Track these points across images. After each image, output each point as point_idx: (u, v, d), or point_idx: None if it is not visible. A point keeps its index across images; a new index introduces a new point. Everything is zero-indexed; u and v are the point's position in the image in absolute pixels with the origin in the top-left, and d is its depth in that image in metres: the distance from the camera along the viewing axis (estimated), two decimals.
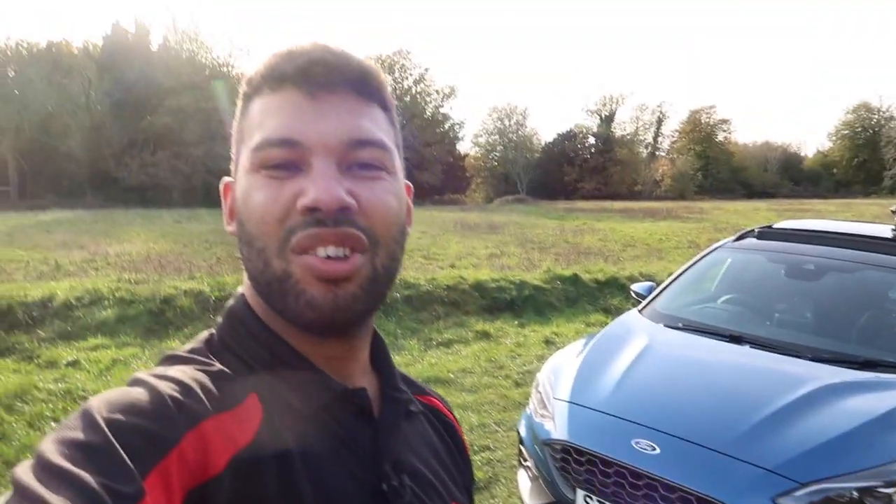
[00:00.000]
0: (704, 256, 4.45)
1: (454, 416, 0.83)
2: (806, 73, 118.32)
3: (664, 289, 4.23)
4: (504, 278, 8.23)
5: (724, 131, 56.06)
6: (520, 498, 3.25)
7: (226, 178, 0.69)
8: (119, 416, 0.48)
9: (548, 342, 6.41)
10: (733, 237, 4.52)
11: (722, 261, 4.47)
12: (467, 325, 6.97)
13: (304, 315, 0.57)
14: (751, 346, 3.33)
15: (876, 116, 56.07)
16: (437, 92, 45.56)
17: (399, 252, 0.63)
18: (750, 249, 4.32)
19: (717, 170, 52.65)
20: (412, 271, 8.64)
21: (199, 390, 0.54)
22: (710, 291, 4.37)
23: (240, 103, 0.65)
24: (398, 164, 0.64)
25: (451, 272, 8.66)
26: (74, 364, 5.33)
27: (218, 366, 0.60)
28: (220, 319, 0.67)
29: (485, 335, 6.65)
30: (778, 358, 3.19)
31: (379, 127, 0.62)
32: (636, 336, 3.55)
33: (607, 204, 32.43)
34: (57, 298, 6.52)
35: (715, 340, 3.44)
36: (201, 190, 30.54)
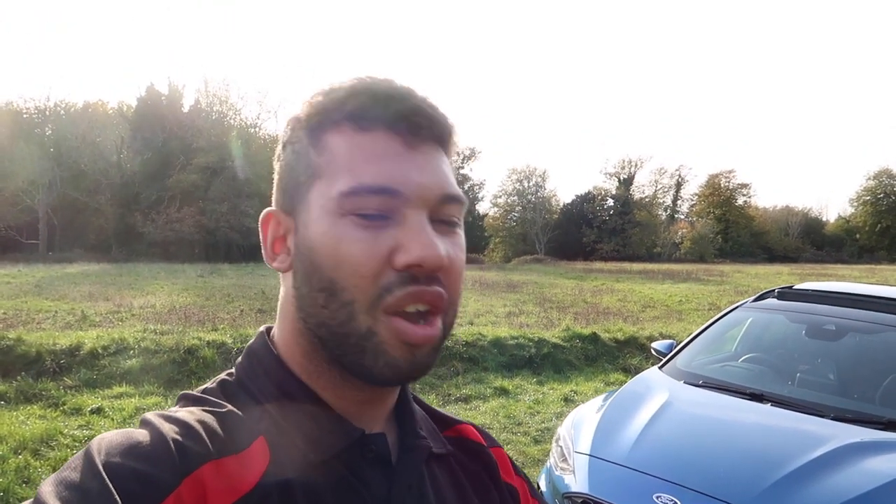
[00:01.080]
0: (724, 315, 4.48)
1: (490, 440, 0.78)
2: (826, 138, 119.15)
3: (684, 347, 4.25)
4: (523, 336, 8.25)
5: (744, 195, 56.20)
6: None
7: (268, 209, 0.64)
8: (117, 460, 0.48)
9: (567, 400, 6.38)
10: (753, 297, 4.56)
11: (742, 320, 4.49)
12: (486, 381, 6.97)
13: (381, 374, 0.56)
14: (772, 405, 3.33)
15: None
16: (457, 154, 46.07)
17: (459, 307, 0.62)
18: (770, 309, 4.34)
19: (738, 233, 52.55)
20: None
21: (202, 432, 0.53)
22: (731, 350, 4.38)
23: (303, 132, 0.60)
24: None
25: (469, 329, 8.69)
26: (99, 411, 5.41)
27: (228, 407, 0.58)
28: (240, 358, 0.66)
29: (503, 392, 6.64)
30: (799, 416, 3.19)
31: (454, 179, 0.62)
32: (657, 392, 3.57)
33: (626, 265, 32.40)
34: (84, 347, 6.65)
35: (736, 398, 3.45)
36: (223, 245, 31.12)
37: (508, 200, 51.24)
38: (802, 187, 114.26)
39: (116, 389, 5.97)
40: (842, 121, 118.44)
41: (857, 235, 56.50)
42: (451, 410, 5.95)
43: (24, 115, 35.27)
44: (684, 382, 3.70)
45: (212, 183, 32.73)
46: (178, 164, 33.61)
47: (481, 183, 54.56)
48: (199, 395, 0.61)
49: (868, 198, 56.89)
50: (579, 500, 2.84)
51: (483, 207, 52.27)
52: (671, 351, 4.28)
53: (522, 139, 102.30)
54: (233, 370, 0.65)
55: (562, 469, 3.11)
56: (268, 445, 0.56)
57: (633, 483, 2.78)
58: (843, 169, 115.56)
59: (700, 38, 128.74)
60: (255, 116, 39.96)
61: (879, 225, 54.52)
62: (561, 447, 3.27)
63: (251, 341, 0.66)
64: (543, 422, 5.71)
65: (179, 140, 34.64)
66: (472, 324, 9.65)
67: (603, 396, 3.86)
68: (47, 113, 35.60)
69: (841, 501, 2.50)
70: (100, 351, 6.65)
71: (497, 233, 51.07)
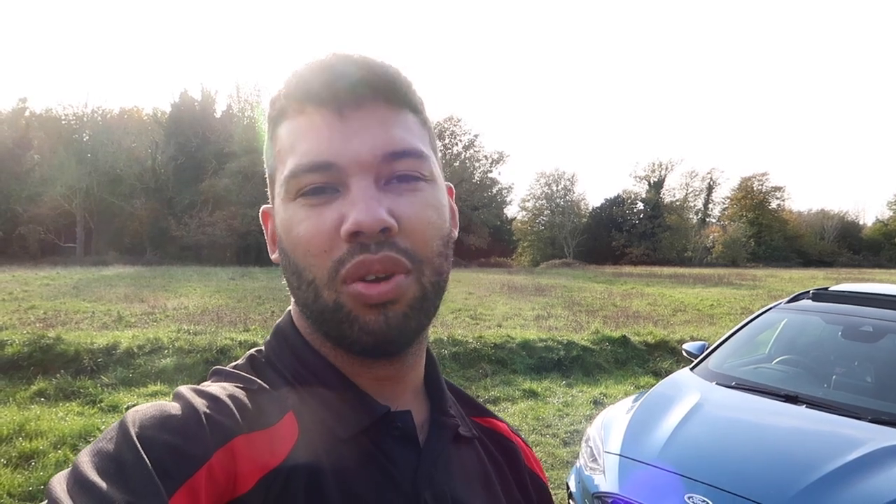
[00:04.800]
0: (757, 317, 4.41)
1: (522, 439, 0.78)
2: (863, 140, 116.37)
3: (716, 348, 4.20)
4: (552, 338, 8.20)
5: (778, 199, 55.09)
6: None
7: (264, 206, 0.67)
8: (151, 432, 0.49)
9: (596, 402, 6.33)
10: (787, 298, 4.49)
11: (776, 322, 4.42)
12: (514, 383, 6.95)
13: (360, 340, 0.57)
14: (807, 407, 3.27)
15: None
16: (485, 157, 46.48)
17: (445, 264, 0.61)
18: (805, 311, 4.27)
19: (771, 237, 51.53)
20: (460, 329, 8.70)
21: (233, 407, 0.54)
22: (764, 352, 4.31)
23: (267, 127, 0.63)
24: (436, 170, 0.62)
25: (498, 331, 8.68)
26: None
27: (259, 383, 0.59)
28: (268, 337, 0.67)
29: (532, 394, 6.61)
30: (835, 419, 3.13)
31: (413, 133, 0.60)
32: (688, 393, 3.53)
33: (656, 269, 32.02)
34: (120, 347, 6.80)
35: (770, 400, 3.39)
36: (254, 249, 31.54)
37: (537, 204, 51.03)
38: (838, 190, 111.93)
39: (151, 388, 6.09)
40: (879, 122, 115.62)
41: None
42: None
43: (63, 122, 36.23)
44: (716, 384, 3.66)
45: (244, 187, 33.22)
46: (210, 168, 34.20)
47: (509, 187, 54.34)
48: (230, 370, 0.62)
49: None
50: (609, 500, 2.82)
51: (511, 211, 52.16)
52: (702, 352, 4.23)
53: (551, 142, 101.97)
54: (262, 347, 0.66)
55: (591, 469, 3.10)
56: (296, 421, 0.57)
57: (664, 483, 2.76)
58: (881, 171, 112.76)
59: (733, 39, 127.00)
60: None
61: None
62: (591, 447, 3.26)
63: (279, 320, 0.68)
64: (572, 424, 5.68)
65: (212, 145, 35.26)
66: (500, 326, 9.64)
67: (633, 397, 3.83)
68: (85, 119, 36.49)
69: None
70: (135, 350, 6.79)
71: (525, 237, 50.85)
